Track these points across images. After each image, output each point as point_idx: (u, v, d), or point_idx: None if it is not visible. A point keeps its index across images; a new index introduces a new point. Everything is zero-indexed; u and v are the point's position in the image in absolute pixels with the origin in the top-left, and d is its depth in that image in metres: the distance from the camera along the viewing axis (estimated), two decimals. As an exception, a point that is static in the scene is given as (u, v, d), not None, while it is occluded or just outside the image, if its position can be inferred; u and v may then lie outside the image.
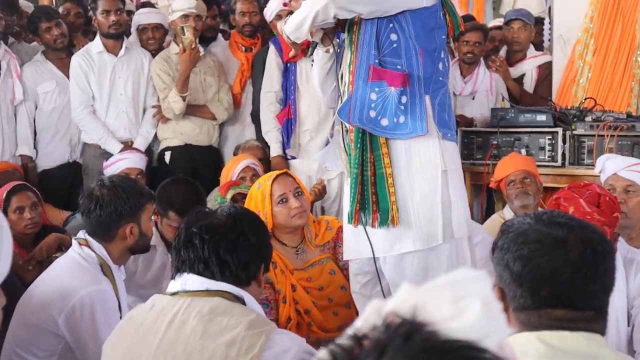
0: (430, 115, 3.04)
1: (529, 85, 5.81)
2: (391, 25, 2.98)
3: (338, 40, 3.19)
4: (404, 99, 2.97)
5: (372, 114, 2.99)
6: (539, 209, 4.35)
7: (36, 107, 5.31)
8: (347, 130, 3.14)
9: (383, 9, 2.95)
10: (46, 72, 5.31)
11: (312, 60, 4.80)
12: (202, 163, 5.23)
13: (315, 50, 3.17)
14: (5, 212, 3.97)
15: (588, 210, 3.02)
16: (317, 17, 2.93)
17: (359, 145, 3.01)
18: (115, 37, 5.20)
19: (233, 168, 4.53)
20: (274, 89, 5.06)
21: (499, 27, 6.09)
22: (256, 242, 2.22)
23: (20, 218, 4.03)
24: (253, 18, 5.51)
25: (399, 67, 2.98)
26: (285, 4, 5.21)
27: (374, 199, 3.03)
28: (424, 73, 3.01)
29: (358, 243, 3.14)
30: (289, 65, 4.99)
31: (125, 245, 3.02)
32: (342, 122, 3.15)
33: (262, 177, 3.77)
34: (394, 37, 2.98)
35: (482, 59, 5.62)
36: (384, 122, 2.99)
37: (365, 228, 3.07)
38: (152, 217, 3.73)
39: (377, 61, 2.98)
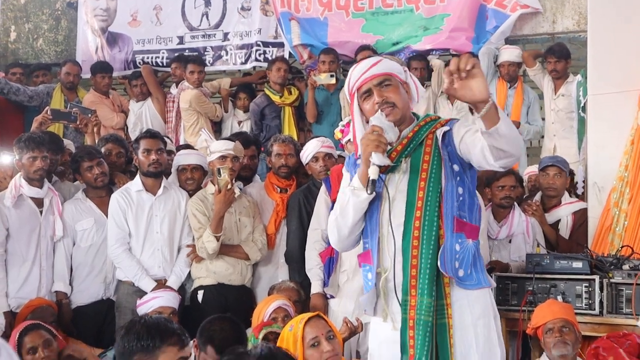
0: (483, 267, 3.15)
1: (564, 231, 5.78)
2: (459, 178, 3.08)
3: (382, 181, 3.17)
4: (473, 251, 3.08)
5: (456, 264, 3.04)
6: (578, 358, 4.24)
7: (74, 244, 5.39)
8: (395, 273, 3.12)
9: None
10: (85, 210, 5.41)
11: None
12: (235, 303, 5.20)
13: (356, 190, 3.12)
14: (20, 354, 4.01)
15: (628, 362, 2.94)
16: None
17: (433, 294, 3.00)
18: (155, 175, 5.31)
19: (265, 309, 4.50)
20: (321, 227, 5.06)
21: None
22: None
23: (34, 358, 4.03)
24: (289, 160, 5.61)
25: (465, 219, 3.07)
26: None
27: (436, 348, 3.01)
28: (478, 227, 3.14)
29: None
30: (336, 205, 5.03)
31: None
32: (389, 266, 3.12)
33: (295, 319, 3.75)
34: (460, 190, 3.09)
35: (515, 203, 5.62)
36: (461, 272, 3.05)
37: None
38: (192, 351, 3.73)
39: (458, 213, 3.06)
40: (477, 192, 3.29)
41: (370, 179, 3.01)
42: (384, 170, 3.13)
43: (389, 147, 3.09)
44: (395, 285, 3.09)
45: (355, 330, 4.46)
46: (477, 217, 3.13)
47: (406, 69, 3.30)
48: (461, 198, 3.07)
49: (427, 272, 3.01)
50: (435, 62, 7.76)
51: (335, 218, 3.25)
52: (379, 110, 3.09)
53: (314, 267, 5.05)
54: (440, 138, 3.13)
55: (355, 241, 3.30)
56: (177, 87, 8.09)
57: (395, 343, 3.08)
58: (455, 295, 3.05)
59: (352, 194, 3.13)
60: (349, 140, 4.99)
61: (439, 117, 3.27)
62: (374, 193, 3.06)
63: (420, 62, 7.62)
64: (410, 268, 3.04)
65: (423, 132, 3.16)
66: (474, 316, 3.06)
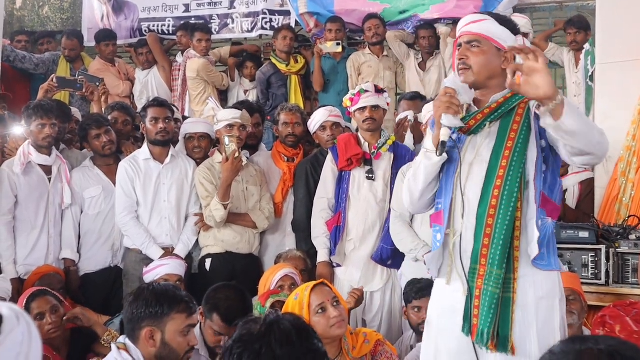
0: (555, 249, 3.05)
1: (571, 201, 5.78)
2: (544, 154, 2.97)
3: (454, 142, 3.08)
4: (551, 231, 2.97)
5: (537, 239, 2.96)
6: (584, 328, 4.25)
7: (82, 212, 5.41)
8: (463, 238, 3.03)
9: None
10: (93, 178, 5.43)
11: (367, 173, 4.88)
12: (242, 271, 5.21)
13: (428, 153, 3.06)
14: None
15: (635, 329, 2.96)
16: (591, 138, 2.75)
17: (503, 266, 2.92)
18: (162, 144, 5.31)
19: (271, 277, 4.52)
20: (327, 196, 5.09)
21: None
22: (282, 354, 2.09)
23: (41, 324, 4.05)
24: (296, 129, 5.60)
25: (549, 196, 2.97)
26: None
27: (495, 320, 2.93)
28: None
29: None
30: (343, 173, 5.04)
31: (151, 351, 3.02)
32: (460, 229, 3.03)
33: (300, 288, 3.77)
34: (544, 167, 2.98)
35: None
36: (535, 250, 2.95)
37: (475, 347, 2.96)
38: (198, 319, 3.75)
39: (543, 188, 2.96)
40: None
41: (440, 140, 2.97)
42: (466, 131, 3.05)
43: (473, 109, 3.06)
44: (462, 251, 3.00)
45: (360, 299, 4.48)
46: (558, 198, 3.02)
47: (520, 37, 3.12)
48: (543, 175, 2.97)
49: (500, 243, 2.91)
50: (441, 29, 7.70)
51: (408, 180, 3.18)
52: (454, 72, 3.04)
53: (320, 236, 5.06)
54: (533, 110, 2.99)
55: (429, 204, 3.20)
56: (182, 56, 8.07)
57: (455, 313, 3.01)
58: (522, 271, 2.94)
59: (424, 157, 3.08)
60: (358, 109, 5.00)
61: None
62: (445, 155, 3.01)
63: (427, 31, 7.59)
64: (484, 237, 2.95)
65: (515, 100, 3.03)
66: (538, 296, 2.94)
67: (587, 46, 6.77)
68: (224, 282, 4.39)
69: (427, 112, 4.66)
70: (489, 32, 3.07)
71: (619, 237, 4.76)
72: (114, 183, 5.34)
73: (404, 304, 4.59)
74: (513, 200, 2.92)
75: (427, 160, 3.06)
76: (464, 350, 2.97)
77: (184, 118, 6.26)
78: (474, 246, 2.97)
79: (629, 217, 5.05)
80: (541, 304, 2.94)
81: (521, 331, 2.91)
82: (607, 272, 4.66)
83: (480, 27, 3.09)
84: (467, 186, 3.01)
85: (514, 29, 3.11)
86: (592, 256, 4.71)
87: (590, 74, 6.55)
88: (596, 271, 4.68)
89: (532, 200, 2.94)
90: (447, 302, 3.08)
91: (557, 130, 2.71)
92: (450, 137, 3.01)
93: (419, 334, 4.44)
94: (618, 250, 4.68)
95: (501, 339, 2.90)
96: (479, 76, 3.04)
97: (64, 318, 4.23)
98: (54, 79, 6.17)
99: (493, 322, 2.90)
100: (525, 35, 7.22)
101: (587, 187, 5.74)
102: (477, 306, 2.93)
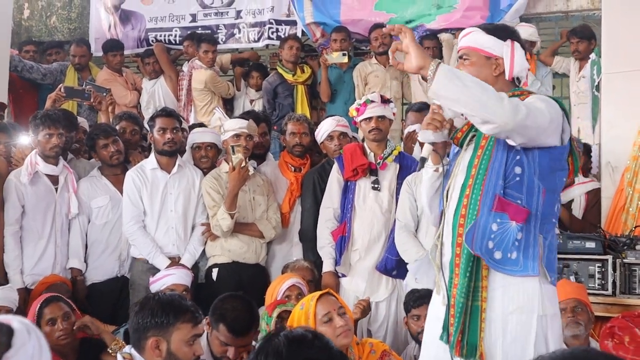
0: (540, 256, 2.96)
1: (577, 211, 5.77)
2: (518, 157, 2.92)
3: (448, 158, 3.19)
4: (519, 235, 2.90)
5: (490, 244, 2.91)
6: (590, 339, 4.24)
7: (89, 221, 5.42)
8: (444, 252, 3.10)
9: (533, 143, 2.88)
10: (101, 187, 5.44)
11: (372, 183, 4.91)
12: (249, 281, 5.21)
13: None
14: (39, 325, 4.05)
15: (643, 341, 2.95)
16: (489, 118, 2.74)
17: (467, 274, 2.93)
18: (170, 154, 5.32)
19: (278, 287, 4.52)
20: (333, 206, 5.10)
21: None
22: None
23: (53, 330, 4.09)
24: (303, 139, 5.61)
25: (519, 201, 2.91)
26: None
27: (462, 328, 2.94)
28: (542, 212, 2.95)
29: None
30: (349, 183, 5.05)
31: None
32: (439, 241, 3.12)
33: (305, 298, 3.77)
34: (518, 170, 2.93)
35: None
36: (497, 255, 2.91)
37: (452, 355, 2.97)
38: (205, 329, 3.76)
39: (502, 191, 2.92)
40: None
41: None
42: (457, 143, 3.12)
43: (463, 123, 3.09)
44: (444, 262, 3.08)
45: (366, 310, 4.48)
46: (538, 202, 2.93)
47: (508, 42, 3.09)
48: (517, 178, 2.92)
49: (464, 252, 2.95)
50: (443, 36, 7.70)
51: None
52: None
53: (325, 246, 5.07)
54: None
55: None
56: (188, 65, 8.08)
57: (439, 320, 3.06)
58: (492, 281, 2.94)
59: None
60: (364, 119, 5.01)
61: (526, 92, 3.09)
62: (436, 170, 3.16)
63: (432, 41, 7.57)
64: (456, 246, 3.00)
65: None
66: (506, 310, 2.92)
67: (593, 56, 6.78)
68: (231, 292, 4.39)
69: None
70: (475, 42, 3.11)
71: (625, 247, 4.75)
72: (122, 193, 5.35)
73: (404, 314, 4.60)
74: (477, 209, 2.95)
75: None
76: (441, 357, 3.02)
77: (191, 127, 6.28)
78: (451, 256, 3.03)
79: (635, 227, 5.05)
80: (510, 320, 2.92)
81: (488, 342, 2.93)
82: (613, 282, 4.65)
83: (468, 40, 3.14)
84: (452, 197, 3.09)
85: (502, 35, 3.11)
86: (598, 267, 4.70)
87: (596, 83, 6.55)
88: (603, 282, 4.67)
89: (486, 205, 2.94)
90: (434, 311, 3.16)
91: (438, 98, 2.78)
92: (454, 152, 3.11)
93: (419, 343, 4.45)
94: (625, 260, 4.67)
95: (469, 347, 2.92)
96: None
97: (74, 327, 4.25)
98: (62, 89, 6.18)
99: (458, 330, 2.93)
100: (533, 43, 7.29)
101: (594, 197, 5.74)
102: (453, 315, 2.98)
